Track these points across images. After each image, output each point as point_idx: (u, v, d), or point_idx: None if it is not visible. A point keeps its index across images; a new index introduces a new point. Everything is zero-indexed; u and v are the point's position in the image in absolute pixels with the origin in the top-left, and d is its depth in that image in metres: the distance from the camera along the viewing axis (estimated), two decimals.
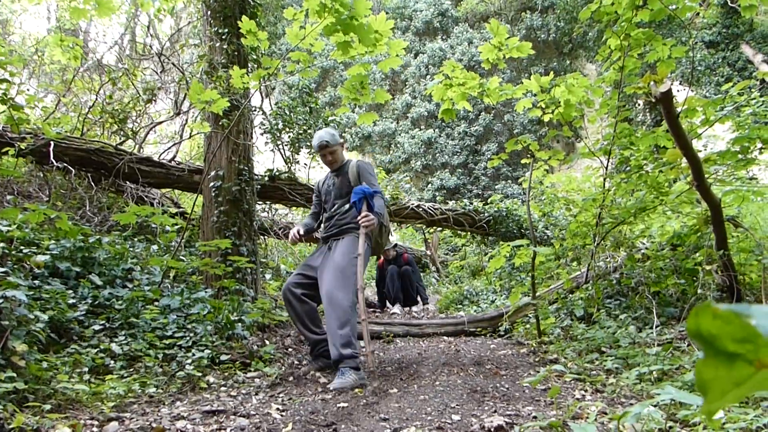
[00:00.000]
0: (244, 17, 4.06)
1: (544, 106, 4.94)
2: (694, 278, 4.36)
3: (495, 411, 2.47)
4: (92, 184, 6.24)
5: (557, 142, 20.72)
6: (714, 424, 2.02)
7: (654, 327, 3.97)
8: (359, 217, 3.78)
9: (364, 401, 2.79)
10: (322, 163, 4.29)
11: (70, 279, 3.85)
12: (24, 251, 3.59)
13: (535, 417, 2.34)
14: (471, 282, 9.02)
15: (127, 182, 6.05)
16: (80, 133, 5.62)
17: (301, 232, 4.12)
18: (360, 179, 4.08)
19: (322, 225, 4.25)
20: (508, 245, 5.44)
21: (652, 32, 3.87)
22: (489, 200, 9.55)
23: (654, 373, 3.10)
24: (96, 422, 2.19)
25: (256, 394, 3.00)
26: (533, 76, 4.79)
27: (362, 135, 21.48)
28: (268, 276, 6.92)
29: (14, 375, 2.24)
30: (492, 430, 2.12)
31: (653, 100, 3.21)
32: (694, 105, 3.77)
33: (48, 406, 2.22)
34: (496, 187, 18.64)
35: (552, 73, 4.85)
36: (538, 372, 3.62)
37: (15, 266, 3.39)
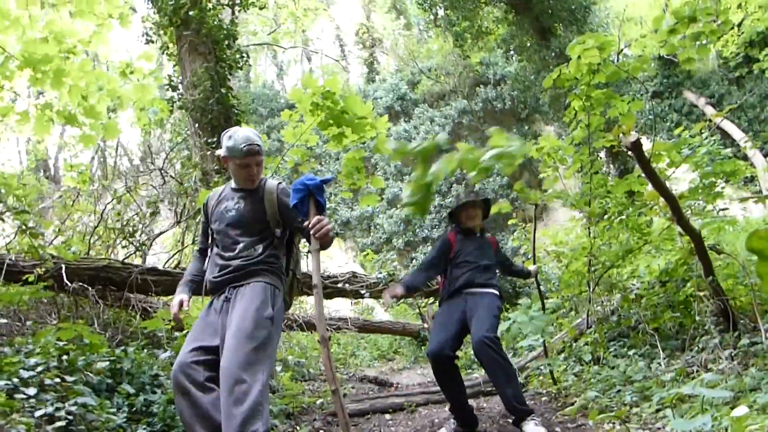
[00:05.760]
0: None
1: None
2: (688, 309, 4.64)
3: None
4: (98, 301, 6.35)
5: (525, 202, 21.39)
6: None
7: (661, 359, 4.20)
8: (308, 223, 2.57)
9: None
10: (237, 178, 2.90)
11: (101, 391, 3.96)
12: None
13: None
14: None
15: (133, 294, 6.18)
16: (86, 252, 5.82)
17: (185, 300, 2.88)
18: (282, 207, 2.82)
19: (212, 267, 2.84)
20: (520, 309, 5.72)
21: (611, 92, 4.35)
22: None
23: (673, 398, 3.31)
24: None
25: None
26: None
27: (341, 221, 21.90)
28: (278, 368, 6.92)
29: None
30: None
31: (624, 150, 3.61)
32: (660, 149, 4.20)
33: None
34: None
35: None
36: (563, 413, 3.81)
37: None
